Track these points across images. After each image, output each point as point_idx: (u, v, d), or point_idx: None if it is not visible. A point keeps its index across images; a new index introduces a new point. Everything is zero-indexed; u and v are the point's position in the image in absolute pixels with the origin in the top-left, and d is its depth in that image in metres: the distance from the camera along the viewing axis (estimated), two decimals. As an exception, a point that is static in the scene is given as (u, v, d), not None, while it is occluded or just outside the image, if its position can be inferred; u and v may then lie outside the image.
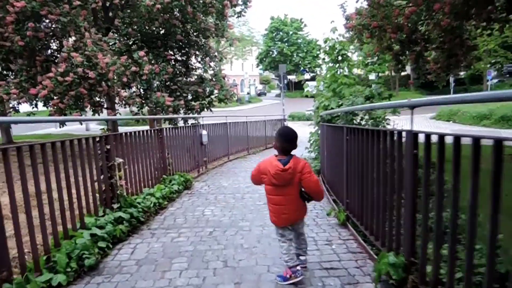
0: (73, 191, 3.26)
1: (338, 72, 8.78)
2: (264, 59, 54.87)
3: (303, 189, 2.70)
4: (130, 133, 4.75)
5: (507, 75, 35.41)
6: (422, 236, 2.19)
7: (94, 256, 3.00)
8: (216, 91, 13.31)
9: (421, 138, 2.24)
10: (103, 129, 4.07)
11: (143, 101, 12.11)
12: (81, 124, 10.58)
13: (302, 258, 2.93)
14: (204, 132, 7.84)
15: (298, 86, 53.21)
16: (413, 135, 2.26)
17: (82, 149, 3.56)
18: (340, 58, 8.82)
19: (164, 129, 6.08)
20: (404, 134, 2.44)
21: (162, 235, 3.86)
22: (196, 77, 13.51)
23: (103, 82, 10.69)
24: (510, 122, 16.47)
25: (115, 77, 10.28)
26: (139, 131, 5.10)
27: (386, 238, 2.77)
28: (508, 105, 18.64)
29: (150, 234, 3.91)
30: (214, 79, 13.41)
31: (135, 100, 11.58)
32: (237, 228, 4.05)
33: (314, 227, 4.05)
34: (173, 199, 5.46)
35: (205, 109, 13.48)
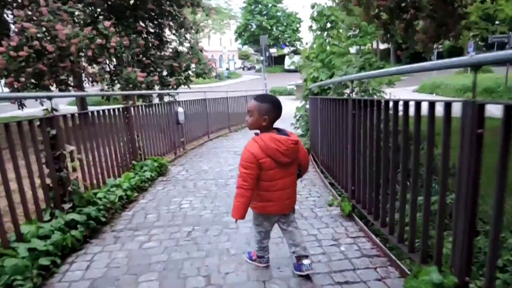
0: (4, 192, 2.45)
1: (327, 41, 7.99)
2: (243, 33, 53.15)
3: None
4: (86, 113, 3.90)
5: (489, 48, 35.21)
6: (490, 250, 1.53)
7: (30, 281, 2.23)
8: (193, 66, 12.39)
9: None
10: (46, 109, 3.20)
11: (114, 78, 11.09)
12: (42, 105, 9.47)
13: (305, 262, 2.32)
14: (181, 110, 6.99)
15: (278, 60, 52.01)
16: (479, 107, 1.54)
17: (23, 136, 2.74)
18: (329, 25, 8.01)
19: (132, 107, 5.22)
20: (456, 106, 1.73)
21: (128, 239, 3.10)
22: (171, 50, 12.46)
23: (66, 58, 9.63)
24: (493, 94, 16.13)
25: (80, 51, 9.22)
26: (98, 111, 4.24)
27: (421, 244, 2.10)
28: (491, 77, 18.36)
29: (113, 239, 3.14)
30: (190, 53, 12.41)
31: (104, 77, 10.54)
32: (221, 226, 3.33)
33: (314, 220, 3.37)
34: (145, 188, 4.68)
35: (182, 85, 12.54)
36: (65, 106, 19.33)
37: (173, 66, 11.71)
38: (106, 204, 3.56)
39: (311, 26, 8.40)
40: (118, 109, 4.77)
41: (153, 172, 5.11)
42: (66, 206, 3.11)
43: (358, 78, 5.02)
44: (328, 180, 4.68)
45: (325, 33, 8.02)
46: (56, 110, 3.27)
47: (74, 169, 3.46)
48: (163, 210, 3.85)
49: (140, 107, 5.58)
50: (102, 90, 11.31)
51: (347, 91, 6.33)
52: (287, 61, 46.21)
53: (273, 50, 52.92)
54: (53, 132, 3.12)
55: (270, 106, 2.16)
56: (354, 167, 3.32)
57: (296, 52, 51.48)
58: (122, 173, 4.59)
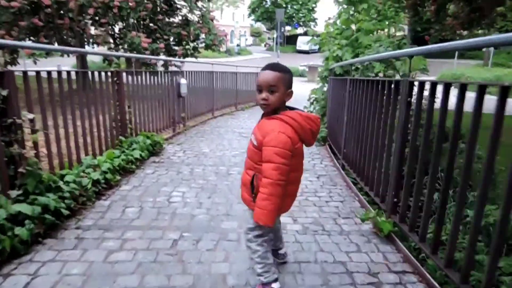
0: None
1: (355, 16, 7.04)
2: (257, 9, 51.35)
3: None
4: (59, 73, 3.07)
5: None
6: None
7: None
8: (203, 36, 11.46)
9: None
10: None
11: (118, 42, 10.19)
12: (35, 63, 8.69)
13: (281, 251, 2.18)
14: (183, 81, 6.14)
15: (290, 40, 50.38)
16: None
17: None
18: (358, -2, 7.03)
19: (124, 73, 4.39)
20: None
21: (93, 244, 2.33)
22: (180, 18, 11.47)
23: (64, 14, 8.74)
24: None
25: (81, 8, 8.33)
26: (77, 71, 3.42)
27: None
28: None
29: (74, 241, 2.37)
30: (201, 22, 11.45)
31: (107, 40, 9.64)
32: (219, 234, 2.55)
33: (340, 238, 2.58)
34: (132, 171, 3.89)
35: (190, 56, 11.65)
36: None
37: (181, 34, 10.82)
38: (74, 191, 2.78)
39: (337, -2, 7.43)
40: (106, 72, 3.94)
41: (144, 151, 4.32)
42: (14, 193, 2.32)
43: (390, 56, 4.17)
44: (351, 179, 3.88)
45: (352, 8, 7.05)
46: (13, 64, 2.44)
47: (35, 144, 2.67)
48: (148, 203, 3.07)
49: (134, 74, 4.74)
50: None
51: (372, 74, 5.49)
52: (299, 41, 44.90)
53: (286, 29, 51.28)
54: (3, 93, 2.31)
55: (291, 77, 1.74)
56: (401, 172, 2.51)
57: (307, 33, 50.05)
58: (105, 150, 3.81)
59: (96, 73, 3.73)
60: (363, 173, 3.43)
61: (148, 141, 4.53)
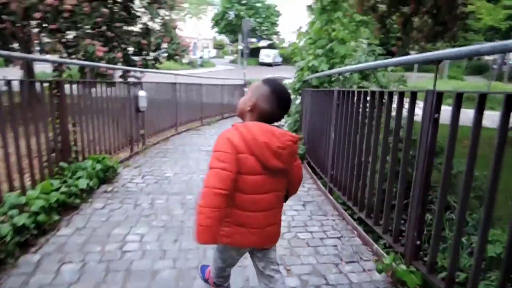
0: None
1: (328, 25, 6.61)
2: (220, 21, 51.11)
3: None
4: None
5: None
6: None
7: None
8: (164, 45, 10.74)
9: None
10: None
11: (69, 51, 9.23)
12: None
13: None
14: (142, 94, 5.38)
15: (253, 53, 50.23)
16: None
17: None
18: (330, 5, 6.62)
19: (68, 83, 3.61)
20: None
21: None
22: (140, 26, 10.67)
23: (4, 16, 7.75)
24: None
25: (26, 12, 7.39)
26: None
27: None
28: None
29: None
30: (162, 30, 10.73)
31: (56, 48, 8.67)
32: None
33: (351, 296, 1.97)
34: (75, 206, 3.11)
35: (150, 67, 10.86)
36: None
37: (141, 43, 10.05)
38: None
39: (310, 6, 7.00)
40: (42, 83, 3.15)
41: (93, 178, 3.54)
42: None
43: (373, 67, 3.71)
44: (341, 205, 3.31)
45: (325, 17, 6.63)
46: None
47: None
48: (93, 255, 2.32)
49: (80, 85, 3.96)
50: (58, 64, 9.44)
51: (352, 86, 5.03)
52: (262, 54, 44.83)
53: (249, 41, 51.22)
54: None
55: (267, 92, 1.48)
56: (425, 206, 1.94)
57: (271, 46, 50.25)
58: (39, 182, 3.00)
59: (29, 84, 2.94)
60: (362, 202, 2.85)
61: (99, 166, 3.75)
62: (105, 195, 3.50)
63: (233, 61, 49.06)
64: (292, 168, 1.54)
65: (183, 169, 4.65)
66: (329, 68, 5.84)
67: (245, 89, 12.65)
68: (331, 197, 3.61)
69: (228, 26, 50.41)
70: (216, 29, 53.42)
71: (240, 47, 22.27)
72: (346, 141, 3.24)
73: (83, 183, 3.28)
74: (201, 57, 44.51)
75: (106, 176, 3.87)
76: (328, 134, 3.84)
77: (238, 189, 1.43)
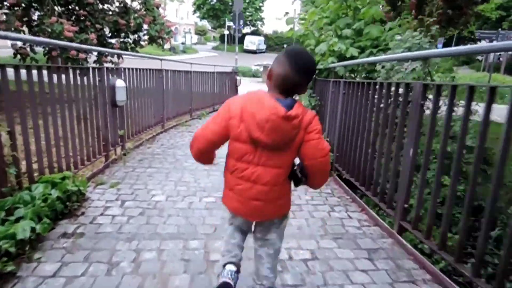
0: None
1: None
2: (202, 6, 49.05)
3: (297, 163, 1.53)
4: None
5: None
6: None
7: None
8: (146, 26, 9.37)
9: None
10: None
11: (34, 29, 7.72)
12: None
13: None
14: (120, 84, 4.07)
15: (238, 39, 48.74)
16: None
17: None
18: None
19: (7, 66, 2.31)
20: None
21: None
22: (117, 5, 9.20)
23: None
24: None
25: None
26: None
27: None
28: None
29: None
30: (143, 8, 9.32)
31: (12, 23, 7.17)
32: None
33: None
34: (9, 273, 1.86)
35: (130, 51, 9.46)
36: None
37: (118, 23, 8.65)
38: None
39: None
40: None
41: (43, 217, 2.28)
42: None
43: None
44: (427, 258, 2.17)
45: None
46: None
47: None
48: None
49: (23, 70, 2.64)
50: (14, 46, 7.95)
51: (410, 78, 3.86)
52: (247, 41, 43.26)
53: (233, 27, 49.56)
54: None
55: (281, 56, 1.44)
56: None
57: (255, 32, 48.68)
58: None
59: None
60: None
61: (55, 194, 2.48)
62: (63, 243, 2.24)
63: (216, 48, 47.35)
64: (296, 146, 1.44)
65: (177, 188, 3.42)
66: (359, 54, 4.66)
67: (237, 77, 11.36)
68: (407, 244, 2.45)
69: (211, 11, 48.47)
70: (198, 14, 51.33)
71: (226, 32, 20.80)
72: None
73: (23, 231, 2.02)
74: (182, 43, 42.57)
75: (67, 206, 2.60)
76: (390, 143, 2.66)
77: (229, 154, 1.55)
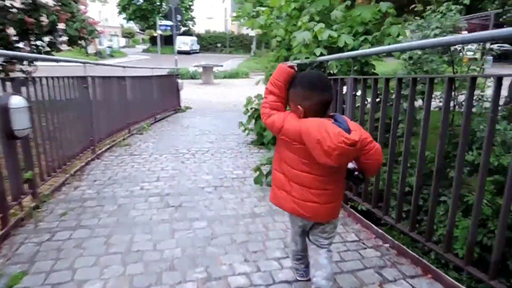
0: None
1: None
2: (128, 6, 45.89)
3: (355, 168, 1.67)
4: None
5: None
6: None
7: None
8: (62, 25, 7.68)
9: None
10: None
11: None
12: None
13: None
14: (18, 103, 2.60)
15: (168, 41, 46.19)
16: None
17: None
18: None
19: None
20: None
21: None
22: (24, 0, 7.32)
23: None
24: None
25: None
26: None
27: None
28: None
29: None
30: (58, 3, 7.57)
31: None
32: None
33: None
34: None
35: (43, 54, 7.63)
36: None
37: (25, 22, 6.86)
38: None
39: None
40: None
41: None
42: None
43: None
44: None
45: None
46: None
47: None
48: None
49: None
50: None
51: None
52: (179, 41, 41.13)
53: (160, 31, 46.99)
54: None
55: (307, 93, 1.57)
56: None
57: (186, 33, 46.66)
58: None
59: None
60: None
61: None
62: None
63: (147, 50, 44.66)
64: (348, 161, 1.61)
65: (128, 271, 2.09)
66: (355, 43, 3.62)
67: (179, 81, 9.92)
68: None
69: (138, 12, 45.49)
70: (124, 15, 48.05)
71: (159, 32, 19.04)
72: None
73: None
74: (109, 47, 39.41)
75: None
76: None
77: (283, 148, 1.64)
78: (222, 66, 20.55)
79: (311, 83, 1.57)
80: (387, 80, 2.71)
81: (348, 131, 1.45)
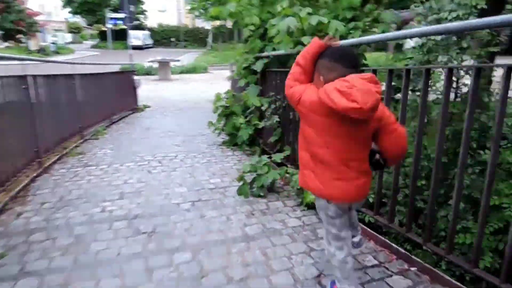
0: None
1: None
2: (73, -1, 43.03)
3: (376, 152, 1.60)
4: None
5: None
6: None
7: None
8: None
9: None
10: None
11: None
12: None
13: (355, 239, 1.95)
14: None
15: (119, 36, 43.92)
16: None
17: None
18: None
19: None
20: None
21: None
22: None
23: None
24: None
25: None
26: None
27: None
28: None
29: None
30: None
31: None
32: None
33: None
34: None
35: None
36: None
37: None
38: None
39: None
40: None
41: None
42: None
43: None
44: None
45: None
46: None
47: None
48: None
49: None
50: None
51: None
52: (132, 36, 39.18)
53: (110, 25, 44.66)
54: None
55: (331, 64, 1.50)
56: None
57: (138, 27, 44.63)
58: None
59: None
60: None
61: None
62: None
63: (96, 46, 42.22)
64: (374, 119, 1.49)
65: None
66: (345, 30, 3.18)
67: (135, 77, 9.12)
68: None
69: (84, 5, 42.80)
70: (68, 9, 45.07)
71: (109, 26, 17.80)
72: None
73: None
74: (54, 43, 36.78)
75: None
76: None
77: (307, 123, 1.57)
78: (179, 61, 19.68)
79: (338, 55, 1.51)
80: (391, 72, 2.31)
81: None
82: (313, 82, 1.57)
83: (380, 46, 7.47)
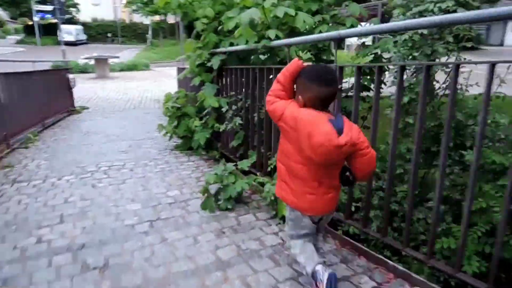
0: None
1: None
2: (-10, -10, 38.96)
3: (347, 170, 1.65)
4: None
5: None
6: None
7: None
8: None
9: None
10: None
11: None
12: None
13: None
14: None
15: (49, 30, 40.53)
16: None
17: None
18: None
19: None
20: None
21: None
22: None
23: None
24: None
25: None
26: None
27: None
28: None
29: None
30: None
31: None
32: None
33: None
34: None
35: None
36: None
37: None
38: None
39: None
40: None
41: None
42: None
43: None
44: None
45: None
46: None
47: None
48: None
49: None
50: None
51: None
52: (64, 31, 36.37)
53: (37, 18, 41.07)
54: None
55: (308, 84, 1.57)
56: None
57: (70, 21, 41.61)
58: None
59: None
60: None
61: None
62: None
63: (21, 42, 38.69)
64: (340, 161, 1.61)
65: None
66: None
67: (70, 76, 8.25)
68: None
69: (6, -3, 39.02)
70: (-12, 0, 40.77)
71: (36, 19, 16.25)
72: None
73: None
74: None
75: None
76: None
77: (284, 138, 1.66)
78: (118, 57, 18.52)
79: (312, 75, 1.56)
80: (380, 69, 2.09)
81: (340, 131, 1.46)
82: (294, 99, 1.63)
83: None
